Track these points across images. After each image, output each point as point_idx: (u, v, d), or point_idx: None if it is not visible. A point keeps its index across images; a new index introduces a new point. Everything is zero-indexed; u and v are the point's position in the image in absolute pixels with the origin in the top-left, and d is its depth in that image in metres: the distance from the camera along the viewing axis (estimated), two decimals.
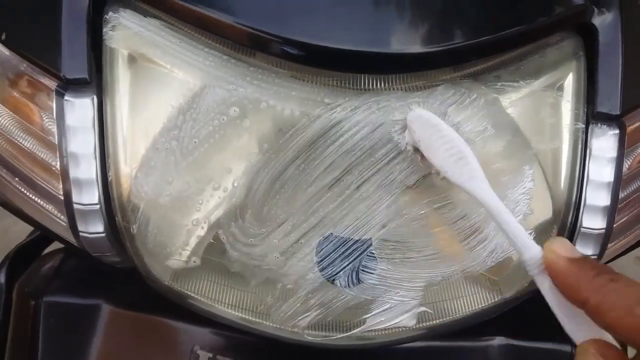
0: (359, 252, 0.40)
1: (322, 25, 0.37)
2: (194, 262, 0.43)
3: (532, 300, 0.59)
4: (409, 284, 0.41)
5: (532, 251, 0.35)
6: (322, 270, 0.40)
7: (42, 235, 0.71)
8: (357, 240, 0.40)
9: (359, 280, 0.41)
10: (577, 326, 0.33)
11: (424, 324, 0.45)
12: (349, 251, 0.40)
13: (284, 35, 0.37)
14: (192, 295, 0.46)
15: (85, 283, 0.60)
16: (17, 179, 0.45)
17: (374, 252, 0.40)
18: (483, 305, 0.47)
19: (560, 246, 0.33)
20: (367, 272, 0.41)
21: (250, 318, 0.45)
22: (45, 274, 0.60)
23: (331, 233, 0.40)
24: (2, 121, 0.45)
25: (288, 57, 0.38)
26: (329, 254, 0.40)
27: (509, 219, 0.36)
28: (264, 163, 0.40)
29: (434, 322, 0.46)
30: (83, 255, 0.46)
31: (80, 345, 0.56)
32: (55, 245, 0.60)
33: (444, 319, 0.46)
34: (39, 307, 0.56)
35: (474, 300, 0.47)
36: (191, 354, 0.55)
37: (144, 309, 0.56)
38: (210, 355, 0.55)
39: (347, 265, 0.41)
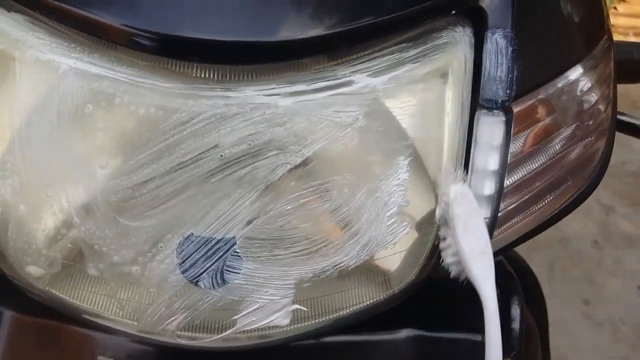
0: (222, 252, 0.39)
1: (175, 14, 0.36)
2: (46, 269, 0.41)
3: (442, 289, 0.59)
4: (278, 282, 0.40)
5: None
6: (184, 272, 0.39)
7: None
8: (219, 240, 0.38)
9: (224, 281, 0.39)
10: None
11: (309, 322, 0.44)
12: (211, 251, 0.39)
13: (133, 26, 0.35)
14: (69, 302, 0.44)
15: None
16: None
17: (238, 250, 0.39)
18: (373, 299, 0.46)
19: None
20: (232, 272, 0.39)
21: (123, 320, 0.44)
22: None
23: (192, 233, 0.38)
24: None
25: (141, 49, 0.36)
26: (191, 255, 0.39)
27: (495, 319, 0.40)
28: (120, 164, 0.38)
29: (322, 318, 0.45)
30: None
31: None
32: None
33: (333, 314, 0.45)
34: None
35: (361, 294, 0.46)
36: None
37: (48, 315, 0.54)
38: None
39: (211, 265, 0.39)
